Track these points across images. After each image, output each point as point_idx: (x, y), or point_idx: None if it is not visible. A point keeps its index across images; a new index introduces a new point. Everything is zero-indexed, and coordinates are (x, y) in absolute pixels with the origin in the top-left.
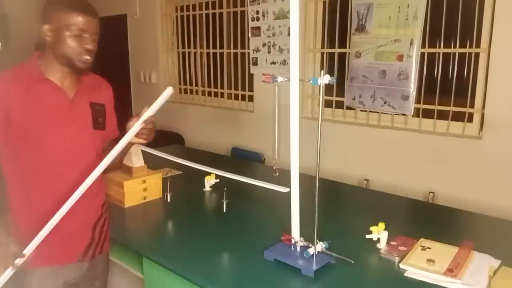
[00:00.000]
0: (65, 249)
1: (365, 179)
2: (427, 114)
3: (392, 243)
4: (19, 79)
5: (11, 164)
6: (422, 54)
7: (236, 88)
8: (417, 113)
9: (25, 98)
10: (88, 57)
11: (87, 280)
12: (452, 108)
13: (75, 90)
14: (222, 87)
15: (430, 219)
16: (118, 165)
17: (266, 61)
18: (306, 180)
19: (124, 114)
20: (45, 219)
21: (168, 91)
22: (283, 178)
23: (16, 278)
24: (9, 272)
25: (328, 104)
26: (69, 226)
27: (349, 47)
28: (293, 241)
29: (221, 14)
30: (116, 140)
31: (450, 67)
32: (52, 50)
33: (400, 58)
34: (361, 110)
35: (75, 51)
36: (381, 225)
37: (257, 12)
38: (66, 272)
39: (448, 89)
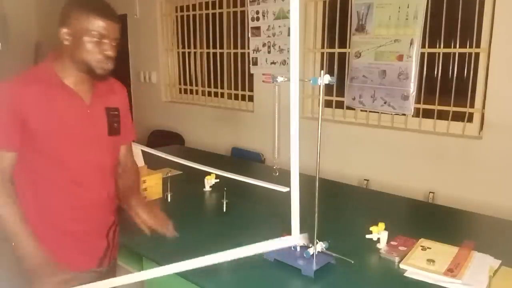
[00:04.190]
0: (85, 255)
1: (365, 179)
2: (427, 114)
3: (392, 243)
4: (35, 83)
5: (24, 174)
6: (422, 54)
7: (236, 88)
8: (417, 113)
9: (42, 105)
10: (108, 65)
11: None
12: (452, 108)
13: (91, 95)
14: (222, 87)
15: (430, 219)
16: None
17: (266, 61)
18: (306, 180)
19: None
20: (62, 228)
21: None
22: (283, 178)
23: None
24: None
25: (328, 104)
26: (87, 231)
27: (349, 47)
28: None
29: (221, 14)
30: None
31: (450, 67)
32: (70, 55)
33: (400, 58)
34: (361, 110)
35: (95, 58)
36: (381, 225)
37: (257, 12)
38: (88, 279)
39: (448, 89)
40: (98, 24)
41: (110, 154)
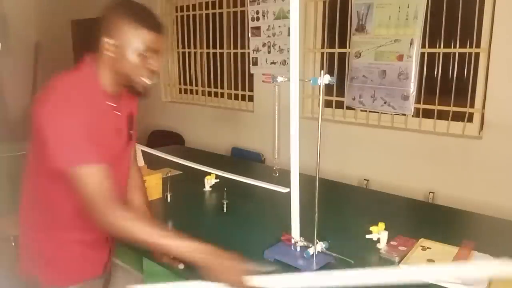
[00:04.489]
0: (92, 264)
1: (365, 179)
2: (427, 114)
3: (392, 243)
4: (86, 91)
5: (40, 177)
6: (422, 54)
7: (236, 88)
8: (417, 113)
9: (91, 114)
10: (152, 80)
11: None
12: (452, 108)
13: (120, 103)
14: (222, 87)
15: (430, 219)
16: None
17: (266, 61)
18: (306, 180)
19: None
20: (73, 238)
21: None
22: (283, 178)
23: None
24: None
25: (328, 104)
26: (95, 240)
27: (349, 47)
28: (293, 241)
29: (221, 14)
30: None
31: (450, 67)
32: (112, 67)
33: (400, 58)
34: (361, 110)
35: (139, 73)
36: (381, 225)
37: (257, 12)
38: (95, 287)
39: (448, 89)
40: (147, 38)
41: (127, 162)
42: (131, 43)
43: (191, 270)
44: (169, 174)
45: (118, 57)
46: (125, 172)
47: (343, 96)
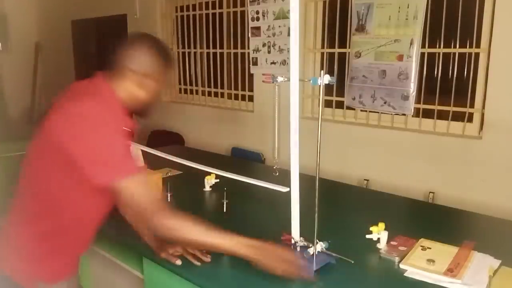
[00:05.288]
0: (76, 263)
1: (365, 179)
2: (427, 114)
3: (392, 243)
4: (113, 114)
5: (72, 185)
6: (422, 54)
7: (236, 88)
8: (417, 113)
9: (122, 133)
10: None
11: None
12: (452, 108)
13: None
14: (222, 87)
15: (430, 219)
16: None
17: (266, 61)
18: (306, 180)
19: None
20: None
21: None
22: (283, 178)
23: None
24: None
25: (328, 104)
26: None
27: (349, 47)
28: (293, 241)
29: (221, 14)
30: None
31: (450, 67)
32: (133, 92)
33: (400, 58)
34: (361, 110)
35: (153, 101)
36: (381, 225)
37: (257, 12)
38: (72, 284)
39: (448, 89)
40: (168, 73)
41: None
42: (157, 77)
43: (189, 267)
44: (169, 174)
45: (141, 86)
46: None
47: (343, 96)
